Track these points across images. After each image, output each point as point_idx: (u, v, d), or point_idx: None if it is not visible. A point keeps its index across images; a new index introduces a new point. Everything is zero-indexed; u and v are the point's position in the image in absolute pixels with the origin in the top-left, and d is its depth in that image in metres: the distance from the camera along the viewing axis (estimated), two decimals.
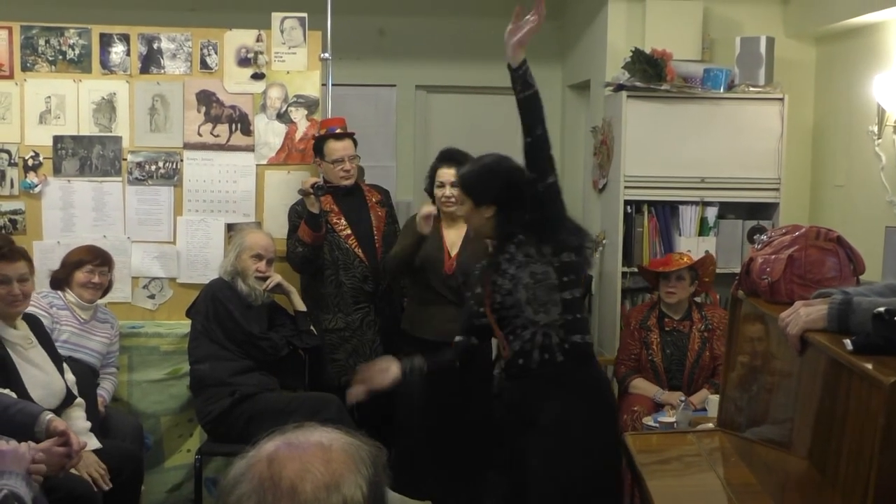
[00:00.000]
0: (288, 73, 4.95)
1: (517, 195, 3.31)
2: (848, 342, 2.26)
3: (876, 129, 4.85)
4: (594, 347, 5.64)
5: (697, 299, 4.96)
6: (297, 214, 4.70)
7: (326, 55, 4.98)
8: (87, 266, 4.42)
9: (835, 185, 5.34)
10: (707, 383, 4.70)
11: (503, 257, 3.31)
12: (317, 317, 4.67)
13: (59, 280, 4.43)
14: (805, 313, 2.49)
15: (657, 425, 4.27)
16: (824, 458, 2.36)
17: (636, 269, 5.15)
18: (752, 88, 5.21)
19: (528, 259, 3.26)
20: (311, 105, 4.96)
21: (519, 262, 3.26)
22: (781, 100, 5.20)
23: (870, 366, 2.14)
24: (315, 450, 1.31)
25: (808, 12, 5.36)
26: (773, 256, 3.00)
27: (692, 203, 5.23)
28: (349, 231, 4.75)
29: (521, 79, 3.27)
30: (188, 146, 4.93)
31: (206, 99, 4.92)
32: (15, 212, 4.85)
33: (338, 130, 4.75)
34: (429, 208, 4.35)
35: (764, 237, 3.20)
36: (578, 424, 3.25)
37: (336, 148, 4.70)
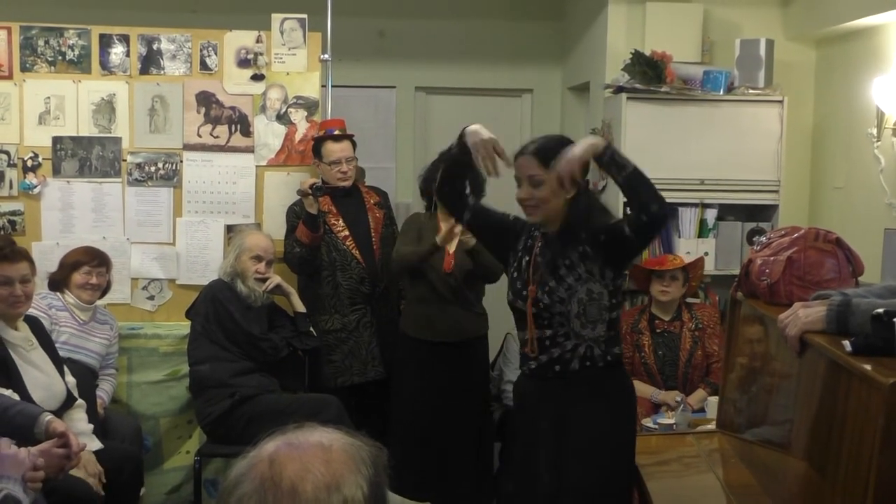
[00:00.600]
0: (288, 74, 4.96)
1: (589, 192, 3.25)
2: (847, 343, 2.26)
3: (875, 131, 4.85)
4: None
5: (695, 300, 4.97)
6: (296, 215, 4.71)
7: (326, 56, 4.99)
8: (85, 267, 4.42)
9: (834, 187, 5.35)
10: (703, 383, 4.71)
11: (563, 262, 3.15)
12: (313, 318, 4.67)
13: (57, 282, 4.43)
14: (804, 315, 2.49)
15: (656, 427, 4.28)
16: (824, 460, 2.36)
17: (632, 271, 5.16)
18: (751, 90, 5.21)
19: (590, 276, 3.14)
20: (310, 106, 4.97)
21: (579, 275, 3.14)
22: (781, 102, 5.20)
23: (869, 367, 2.14)
24: (316, 450, 1.31)
25: (808, 15, 5.36)
26: (772, 258, 3.00)
27: (692, 205, 5.23)
28: (347, 232, 4.75)
29: (610, 164, 3.07)
30: (188, 147, 4.94)
31: (205, 100, 4.93)
32: (14, 213, 4.85)
33: (336, 132, 4.76)
34: (454, 229, 4.29)
35: (763, 239, 3.20)
36: (615, 429, 3.20)
37: (333, 149, 4.70)
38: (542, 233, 3.25)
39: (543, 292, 3.16)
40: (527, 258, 3.26)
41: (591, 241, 3.13)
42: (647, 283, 4.86)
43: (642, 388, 4.75)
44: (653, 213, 3.03)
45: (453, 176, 3.37)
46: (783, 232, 3.13)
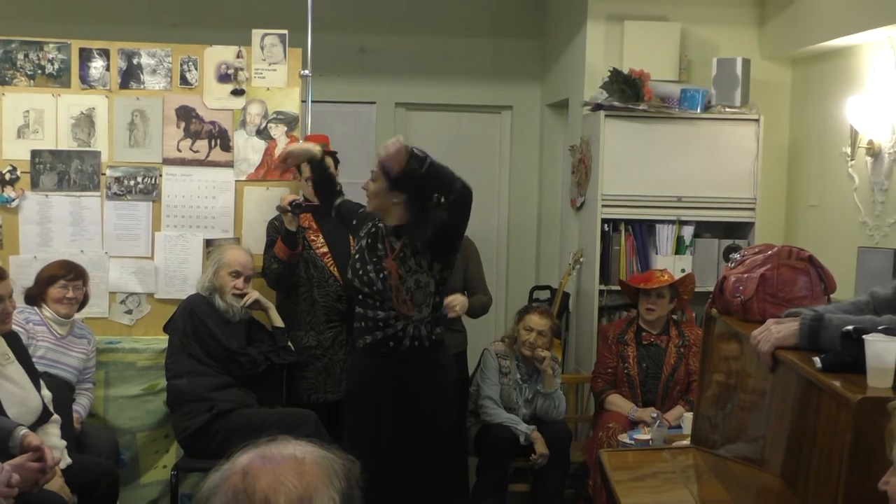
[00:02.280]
0: (268, 89, 4.97)
1: (425, 191, 3.69)
2: (817, 360, 2.29)
3: (849, 150, 4.91)
4: (571, 364, 5.71)
5: (675, 316, 5.00)
6: (275, 229, 4.70)
7: (306, 72, 5.00)
8: (61, 281, 4.40)
9: (809, 204, 5.41)
10: (682, 400, 4.74)
11: (397, 255, 3.75)
12: (289, 334, 4.66)
13: (34, 296, 4.41)
14: (776, 330, 2.53)
15: (632, 442, 4.29)
16: (795, 474, 2.39)
17: (615, 287, 5.19)
18: (728, 109, 5.27)
19: (419, 268, 3.75)
20: (290, 122, 4.98)
21: (409, 267, 3.74)
22: (757, 120, 5.26)
23: (838, 383, 2.17)
24: (288, 463, 1.32)
25: (784, 34, 5.43)
26: (745, 275, 3.03)
27: (669, 222, 5.28)
28: (326, 249, 4.74)
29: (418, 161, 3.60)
30: (167, 161, 4.94)
31: (185, 114, 4.93)
32: None
33: None
34: None
35: (737, 256, 3.23)
36: (441, 395, 3.86)
37: None
38: (382, 224, 3.83)
39: (375, 275, 3.76)
40: (367, 241, 3.86)
41: (422, 244, 3.72)
42: (637, 297, 4.89)
43: (620, 404, 4.78)
44: (457, 189, 3.63)
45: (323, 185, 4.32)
46: (757, 249, 3.16)
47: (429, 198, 3.72)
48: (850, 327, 2.27)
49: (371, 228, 3.90)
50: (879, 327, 2.27)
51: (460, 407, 4.77)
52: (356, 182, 6.43)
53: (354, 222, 4.07)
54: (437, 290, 3.83)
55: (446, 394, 3.93)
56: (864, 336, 2.20)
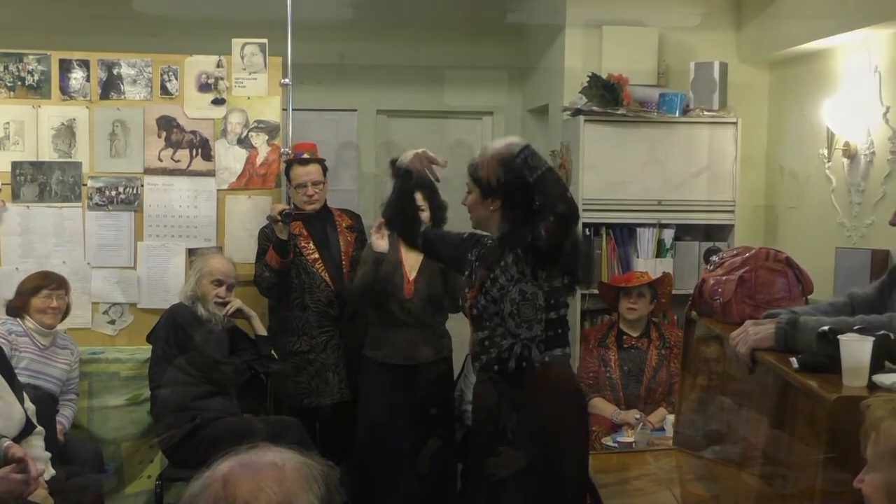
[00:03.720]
0: (248, 98, 4.98)
1: (525, 193, 3.26)
2: (794, 360, 2.32)
3: (826, 152, 4.96)
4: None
5: (655, 319, 5.03)
6: (267, 238, 4.71)
7: (287, 81, 5.01)
8: (44, 291, 4.40)
9: (788, 206, 5.45)
10: (664, 402, 4.76)
11: (499, 265, 3.32)
12: (281, 338, 4.68)
13: (16, 308, 4.40)
14: (753, 332, 2.55)
15: (616, 445, 4.32)
16: (773, 473, 2.42)
17: (595, 290, 5.21)
18: (706, 112, 5.29)
19: (521, 277, 3.28)
20: (271, 130, 4.99)
21: (511, 276, 3.29)
22: (735, 124, 5.30)
23: (814, 383, 2.20)
24: (268, 469, 1.34)
25: (761, 38, 5.47)
26: (724, 277, 3.06)
27: (649, 225, 5.30)
28: (317, 255, 4.76)
29: (522, 166, 3.19)
30: (149, 171, 4.94)
31: (166, 124, 4.93)
32: None
33: (305, 155, 4.79)
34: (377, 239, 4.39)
35: (716, 258, 3.26)
36: (552, 436, 3.30)
37: (299, 173, 4.73)
38: (489, 240, 3.44)
39: (480, 294, 3.33)
40: (476, 265, 3.45)
41: (523, 248, 3.28)
42: (616, 300, 4.92)
43: (604, 407, 4.80)
44: (559, 213, 3.16)
45: (401, 208, 3.61)
46: (735, 251, 3.20)
47: (529, 202, 3.27)
48: (825, 328, 2.30)
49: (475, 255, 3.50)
50: (854, 327, 2.30)
51: (448, 412, 4.79)
52: (340, 189, 6.50)
53: (449, 252, 3.63)
54: (549, 304, 3.30)
55: (564, 426, 3.33)
56: (839, 336, 2.23)
